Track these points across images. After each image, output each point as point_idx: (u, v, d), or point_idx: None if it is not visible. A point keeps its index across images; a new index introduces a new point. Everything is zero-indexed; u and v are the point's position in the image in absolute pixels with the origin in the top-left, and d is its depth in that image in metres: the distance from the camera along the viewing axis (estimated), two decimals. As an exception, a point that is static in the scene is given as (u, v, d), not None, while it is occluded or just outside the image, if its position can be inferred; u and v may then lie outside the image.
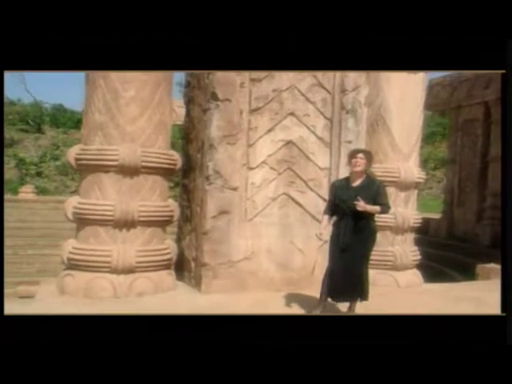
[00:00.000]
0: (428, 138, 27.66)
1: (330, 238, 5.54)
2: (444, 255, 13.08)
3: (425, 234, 14.94)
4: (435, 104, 16.04)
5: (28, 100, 33.07)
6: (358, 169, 5.39)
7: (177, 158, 6.53)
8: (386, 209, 5.45)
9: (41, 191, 22.72)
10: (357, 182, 5.45)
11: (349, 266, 5.33)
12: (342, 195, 5.41)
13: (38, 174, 25.08)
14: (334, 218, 5.56)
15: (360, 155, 5.40)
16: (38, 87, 41.97)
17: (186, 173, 7.03)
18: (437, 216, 16.13)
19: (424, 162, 26.38)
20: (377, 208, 5.34)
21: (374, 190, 5.38)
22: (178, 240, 7.17)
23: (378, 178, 6.50)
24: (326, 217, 5.62)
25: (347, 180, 5.55)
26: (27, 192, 19.81)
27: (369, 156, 5.49)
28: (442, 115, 22.92)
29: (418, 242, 13.66)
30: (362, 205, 5.21)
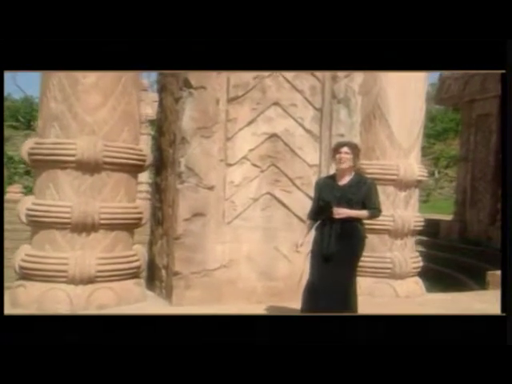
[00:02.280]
0: (440, 134, 27.34)
1: (312, 244, 5.05)
2: (455, 259, 12.82)
3: (435, 236, 14.79)
4: (447, 98, 15.76)
5: (18, 95, 32.83)
6: (344, 165, 4.91)
7: (146, 154, 6.07)
8: (376, 213, 4.98)
9: (30, 191, 22.34)
10: (344, 181, 4.97)
11: (333, 278, 4.82)
12: (327, 196, 4.93)
13: (27, 173, 24.73)
14: (318, 222, 5.07)
15: (344, 149, 4.90)
16: (29, 82, 41.67)
17: (159, 170, 6.57)
18: (448, 217, 15.77)
19: (436, 160, 26.09)
20: (363, 213, 4.89)
21: (364, 191, 4.90)
22: (150, 245, 6.69)
23: (371, 176, 6.06)
24: (310, 223, 5.15)
25: (333, 178, 5.08)
26: (15, 192, 19.49)
27: (355, 149, 4.99)
28: (455, 110, 22.45)
29: (427, 245, 13.72)
30: (340, 211, 4.77)
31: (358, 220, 4.92)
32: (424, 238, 13.82)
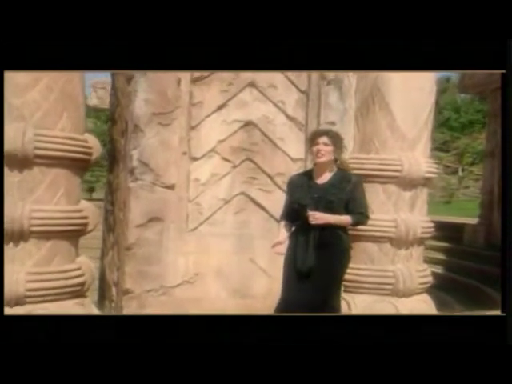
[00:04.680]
0: (465, 127, 26.89)
1: (284, 255, 4.57)
2: (480, 269, 12.25)
3: (458, 242, 14.29)
4: (471, 86, 15.31)
5: None
6: (322, 160, 4.42)
7: (92, 145, 5.44)
8: (362, 219, 4.49)
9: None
10: (323, 179, 4.49)
11: (310, 298, 4.33)
12: (302, 197, 4.45)
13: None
14: (292, 229, 4.60)
15: (323, 140, 4.40)
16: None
17: (111, 165, 6.04)
18: (473, 221, 15.41)
19: (460, 156, 25.53)
20: (346, 219, 4.39)
21: (348, 191, 4.40)
22: (102, 257, 6.15)
23: (370, 173, 5.93)
24: (285, 224, 4.64)
25: (309, 175, 4.58)
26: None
27: (336, 139, 4.49)
28: (482, 99, 21.87)
29: (449, 253, 13.24)
30: (318, 216, 4.26)
31: (340, 227, 4.43)
32: (445, 245, 13.53)
